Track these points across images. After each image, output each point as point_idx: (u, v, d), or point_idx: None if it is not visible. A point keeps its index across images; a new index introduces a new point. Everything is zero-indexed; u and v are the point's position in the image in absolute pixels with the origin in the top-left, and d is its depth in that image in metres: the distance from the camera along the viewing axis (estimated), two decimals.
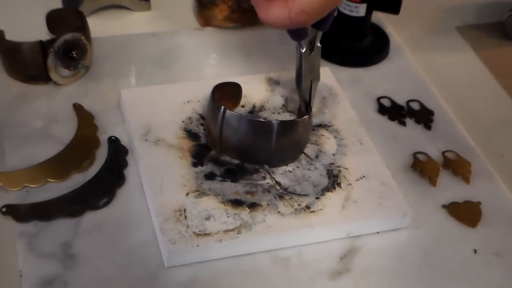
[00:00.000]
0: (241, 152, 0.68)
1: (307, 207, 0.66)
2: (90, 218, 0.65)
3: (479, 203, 0.70)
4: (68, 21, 0.79)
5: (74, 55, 0.76)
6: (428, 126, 0.77)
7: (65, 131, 0.72)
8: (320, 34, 0.69)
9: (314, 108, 0.74)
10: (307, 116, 0.69)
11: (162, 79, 0.79)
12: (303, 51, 0.69)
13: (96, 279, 0.61)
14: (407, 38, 0.89)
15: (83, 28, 0.78)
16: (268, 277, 0.63)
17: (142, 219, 0.65)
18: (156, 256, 0.62)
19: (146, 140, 0.70)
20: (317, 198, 0.67)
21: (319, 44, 0.70)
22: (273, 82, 0.78)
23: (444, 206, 0.70)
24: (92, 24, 0.80)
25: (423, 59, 0.86)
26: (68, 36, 0.75)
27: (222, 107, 0.67)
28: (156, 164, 0.68)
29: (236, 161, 0.69)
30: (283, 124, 0.66)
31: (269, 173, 0.69)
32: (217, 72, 0.82)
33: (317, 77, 0.72)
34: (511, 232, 0.68)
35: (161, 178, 0.67)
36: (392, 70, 0.84)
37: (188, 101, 0.74)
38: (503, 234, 0.68)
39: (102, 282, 0.61)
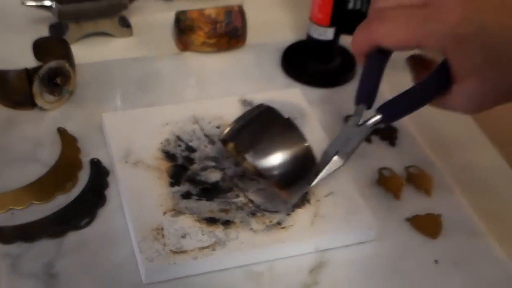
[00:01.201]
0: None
1: (278, 223, 0.65)
2: (73, 238, 0.64)
3: (439, 215, 0.69)
4: (53, 49, 0.78)
5: (58, 82, 0.75)
6: (392, 143, 0.76)
7: (50, 154, 0.71)
8: (376, 120, 0.59)
9: None
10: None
11: (143, 102, 0.78)
12: (348, 123, 0.61)
13: None
14: None
15: (67, 56, 0.76)
16: None
17: (122, 238, 0.64)
18: (135, 274, 0.61)
19: (126, 162, 0.69)
20: (287, 214, 0.66)
21: (369, 126, 0.59)
22: (247, 103, 0.77)
23: (407, 219, 0.69)
24: (76, 51, 0.79)
25: (389, 79, 0.84)
26: (52, 63, 0.74)
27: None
28: (136, 185, 0.67)
29: (212, 181, 0.68)
30: None
31: (242, 192, 0.67)
32: (196, 94, 0.81)
33: (343, 155, 0.60)
34: (470, 243, 0.67)
35: (140, 198, 0.65)
36: None
37: (166, 123, 0.73)
38: (462, 244, 0.67)
39: None
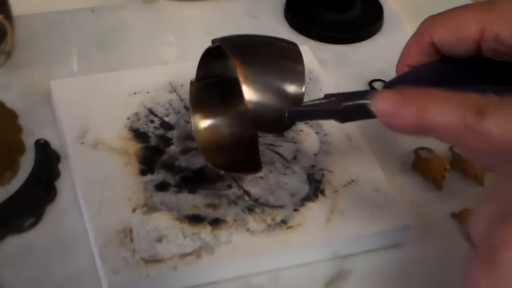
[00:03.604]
0: None
1: (283, 222, 0.65)
2: (14, 243, 0.63)
3: None
4: None
5: None
6: None
7: None
8: None
9: None
10: None
11: (103, 65, 0.78)
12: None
13: None
14: (405, 5, 0.89)
15: (1, 4, 0.76)
16: None
17: (78, 243, 0.64)
18: None
19: (82, 143, 0.69)
20: (295, 210, 0.65)
21: None
22: None
23: (453, 215, 0.68)
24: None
25: None
26: None
27: None
28: (95, 173, 0.66)
29: (195, 167, 0.68)
30: None
31: (235, 181, 0.67)
32: (172, 55, 0.82)
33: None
34: None
35: (101, 190, 0.65)
36: (387, 46, 0.83)
37: (134, 93, 0.73)
38: None
39: None
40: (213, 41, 0.64)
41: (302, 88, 0.60)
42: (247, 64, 0.60)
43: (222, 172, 0.65)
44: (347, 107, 0.58)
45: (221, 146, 0.67)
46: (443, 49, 0.59)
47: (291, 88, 0.60)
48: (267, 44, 0.64)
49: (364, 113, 0.57)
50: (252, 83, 0.60)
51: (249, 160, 0.66)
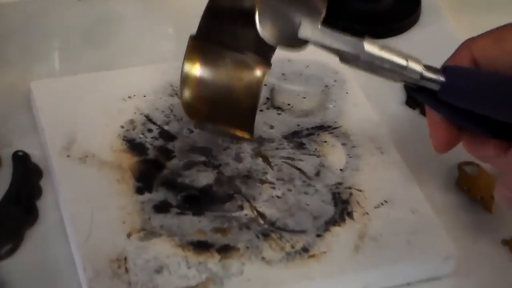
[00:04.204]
0: None
1: (305, 249, 0.65)
2: None
3: None
4: None
5: None
6: None
7: None
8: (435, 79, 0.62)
9: (312, 102, 0.74)
10: None
11: (91, 64, 0.78)
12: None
13: None
14: None
15: None
16: None
17: (63, 274, 0.64)
18: None
19: (68, 156, 0.69)
20: (318, 235, 0.66)
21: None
22: None
23: (504, 242, 0.68)
24: None
25: (469, 24, 0.85)
26: None
27: None
28: (83, 191, 0.67)
29: (201, 184, 0.68)
30: None
31: (248, 201, 0.67)
32: (173, 51, 0.81)
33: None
34: None
35: (90, 212, 0.65)
36: (425, 41, 0.83)
37: (129, 96, 0.74)
38: None
39: None
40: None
41: (323, 7, 0.62)
42: None
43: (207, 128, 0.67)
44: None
45: (212, 102, 0.67)
46: (482, 63, 0.61)
47: (310, 6, 0.61)
48: None
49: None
50: None
51: (243, 126, 0.67)
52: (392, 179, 0.69)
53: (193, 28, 0.82)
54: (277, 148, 0.68)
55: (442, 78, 0.60)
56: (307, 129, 0.72)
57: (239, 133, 0.67)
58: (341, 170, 0.70)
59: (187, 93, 0.67)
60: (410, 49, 0.81)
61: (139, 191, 0.67)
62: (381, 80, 0.77)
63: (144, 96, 0.73)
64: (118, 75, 0.75)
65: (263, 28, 0.61)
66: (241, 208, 0.67)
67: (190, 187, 0.68)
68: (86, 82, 0.74)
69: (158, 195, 0.67)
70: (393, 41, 0.83)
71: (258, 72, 0.66)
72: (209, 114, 0.68)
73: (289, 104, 0.74)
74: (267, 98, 0.75)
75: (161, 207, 0.66)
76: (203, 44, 0.68)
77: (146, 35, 0.82)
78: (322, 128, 0.73)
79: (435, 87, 0.61)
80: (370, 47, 0.62)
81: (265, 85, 0.74)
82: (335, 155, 0.71)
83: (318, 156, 0.71)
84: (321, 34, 0.62)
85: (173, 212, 0.66)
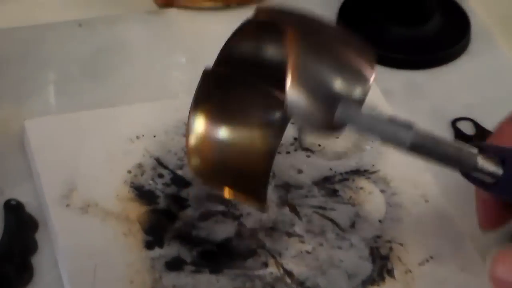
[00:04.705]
0: None
1: None
2: None
3: None
4: None
5: None
6: None
7: None
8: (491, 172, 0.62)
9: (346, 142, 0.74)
10: None
11: (93, 99, 0.79)
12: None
13: None
14: (500, 16, 0.90)
15: None
16: None
17: None
18: None
19: (67, 205, 0.69)
20: None
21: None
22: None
23: None
24: None
25: None
26: None
27: None
28: (85, 246, 0.67)
29: (219, 238, 0.68)
30: None
31: (273, 256, 0.67)
32: (187, 84, 0.80)
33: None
34: None
35: (93, 269, 0.65)
36: (476, 72, 0.84)
37: (137, 137, 0.74)
38: None
39: None
40: (258, 9, 0.65)
41: (366, 85, 0.61)
42: (304, 36, 0.61)
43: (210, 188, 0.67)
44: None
45: (221, 161, 0.67)
46: None
47: (352, 82, 0.61)
48: (332, 28, 0.66)
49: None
50: (304, 58, 0.60)
51: (253, 190, 0.66)
52: (438, 232, 0.69)
53: (208, 56, 0.83)
54: (306, 196, 0.68)
55: (500, 171, 0.61)
56: (341, 173, 0.73)
57: (249, 201, 0.67)
58: (379, 221, 0.70)
59: (190, 146, 0.66)
60: (458, 80, 0.83)
61: (149, 245, 0.67)
62: (425, 118, 0.79)
63: (154, 137, 0.74)
64: (123, 112, 0.76)
65: (293, 113, 0.62)
66: (265, 265, 0.67)
67: (206, 241, 0.68)
68: (87, 120, 0.74)
69: (170, 250, 0.67)
70: (438, 72, 0.84)
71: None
72: (213, 175, 0.67)
73: (319, 145, 0.74)
74: (295, 139, 0.75)
75: (174, 264, 0.66)
76: (217, 81, 0.67)
77: (155, 66, 0.83)
78: (357, 172, 0.73)
79: (489, 180, 0.61)
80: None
81: (291, 122, 0.75)
82: (372, 204, 0.71)
83: (354, 205, 0.71)
84: (365, 120, 0.61)
85: (188, 270, 0.66)
